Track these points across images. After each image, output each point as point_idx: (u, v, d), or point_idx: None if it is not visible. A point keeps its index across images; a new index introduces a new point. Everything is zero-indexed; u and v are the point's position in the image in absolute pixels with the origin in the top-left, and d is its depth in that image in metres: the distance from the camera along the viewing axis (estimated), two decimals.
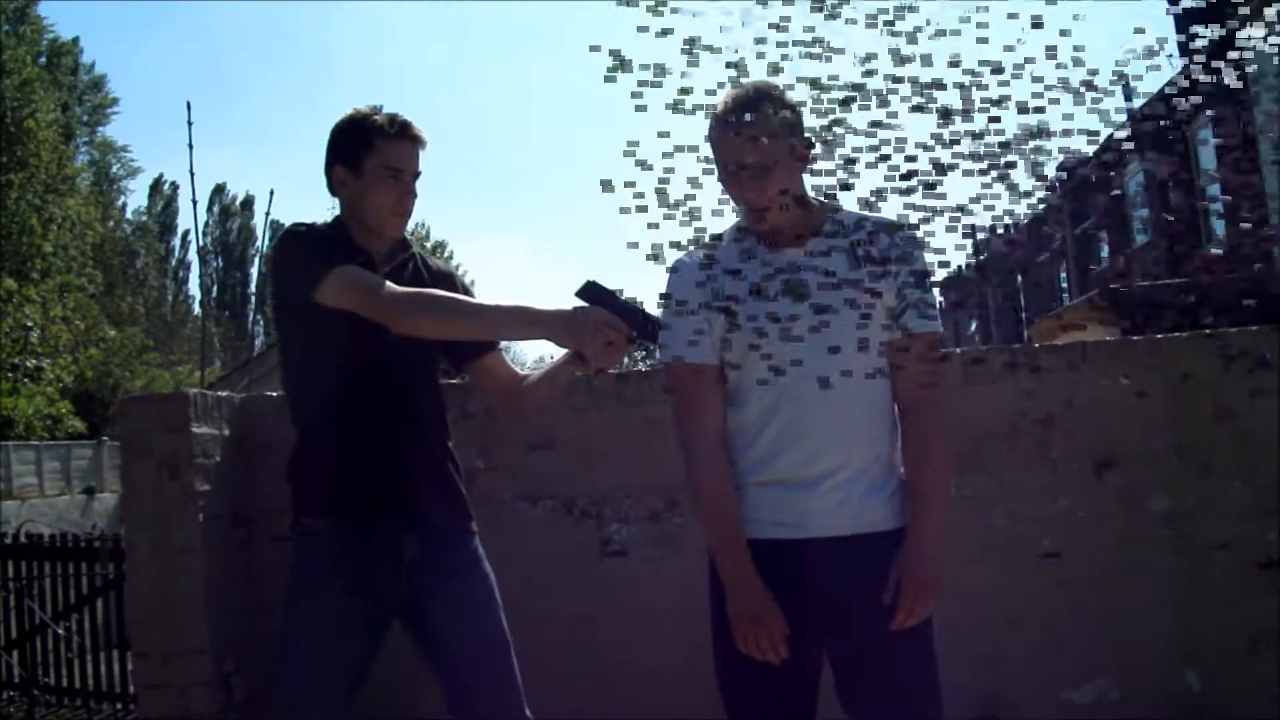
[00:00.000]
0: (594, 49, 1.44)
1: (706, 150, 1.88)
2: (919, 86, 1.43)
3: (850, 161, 1.49)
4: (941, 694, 2.08)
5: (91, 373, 30.60)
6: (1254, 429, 3.38)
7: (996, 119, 1.43)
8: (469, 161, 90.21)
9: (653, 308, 2.26)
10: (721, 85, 1.65)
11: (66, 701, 5.89)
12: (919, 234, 1.81)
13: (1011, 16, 1.40)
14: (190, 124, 6.72)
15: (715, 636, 2.11)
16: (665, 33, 1.42)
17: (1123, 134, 1.48)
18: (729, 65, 1.45)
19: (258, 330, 43.12)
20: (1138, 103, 1.50)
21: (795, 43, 1.42)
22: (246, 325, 50.23)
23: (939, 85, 1.43)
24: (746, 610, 2.03)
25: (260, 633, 3.24)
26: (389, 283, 2.28)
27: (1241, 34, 1.42)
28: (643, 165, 1.51)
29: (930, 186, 1.46)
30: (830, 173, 1.51)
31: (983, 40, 1.40)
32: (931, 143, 1.46)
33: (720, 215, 1.90)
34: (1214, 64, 1.41)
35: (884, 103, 1.45)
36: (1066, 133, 1.44)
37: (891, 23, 1.41)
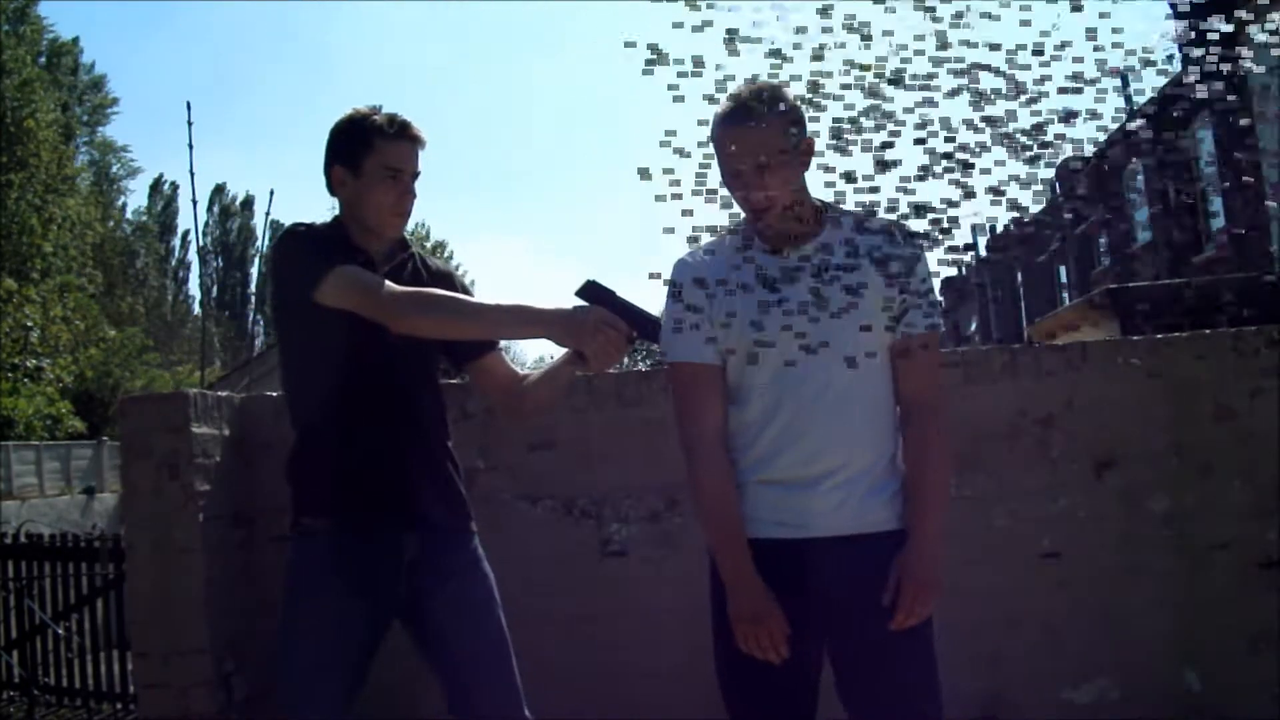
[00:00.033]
0: (629, 44, 1.47)
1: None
2: (961, 67, 1.45)
3: (887, 145, 1.50)
4: (942, 694, 2.08)
5: (91, 373, 30.60)
6: (1254, 429, 3.38)
7: (1036, 99, 1.44)
8: (469, 161, 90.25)
9: (652, 308, 2.26)
10: (757, 76, 1.67)
11: (66, 701, 5.89)
12: (921, 234, 1.81)
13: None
14: (190, 124, 6.73)
15: (716, 636, 2.11)
16: (705, 25, 1.45)
17: (1137, 121, 1.49)
18: (770, 54, 1.47)
19: (258, 330, 43.11)
20: (1138, 101, 1.51)
21: (843, 26, 1.45)
22: (246, 325, 50.21)
23: (981, 67, 1.44)
24: (747, 610, 2.03)
25: (260, 633, 3.24)
26: (389, 282, 2.28)
27: (1244, 29, 1.43)
28: (681, 153, 1.56)
29: (968, 167, 1.47)
30: (871, 148, 1.52)
31: (1025, 23, 1.43)
32: (971, 124, 1.47)
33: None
34: (1209, 58, 1.41)
35: (925, 85, 1.47)
36: (1095, 115, 1.45)
37: (933, 8, 1.43)
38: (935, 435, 2.10)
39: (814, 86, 1.48)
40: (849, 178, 1.52)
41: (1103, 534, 3.40)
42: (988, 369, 3.49)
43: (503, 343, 2.58)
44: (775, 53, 1.46)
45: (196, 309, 52.07)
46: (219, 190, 54.21)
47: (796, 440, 2.04)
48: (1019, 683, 3.36)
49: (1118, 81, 1.44)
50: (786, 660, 2.02)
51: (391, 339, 2.26)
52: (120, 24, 79.63)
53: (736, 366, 2.08)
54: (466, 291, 2.44)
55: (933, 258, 1.74)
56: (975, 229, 1.53)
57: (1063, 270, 24.87)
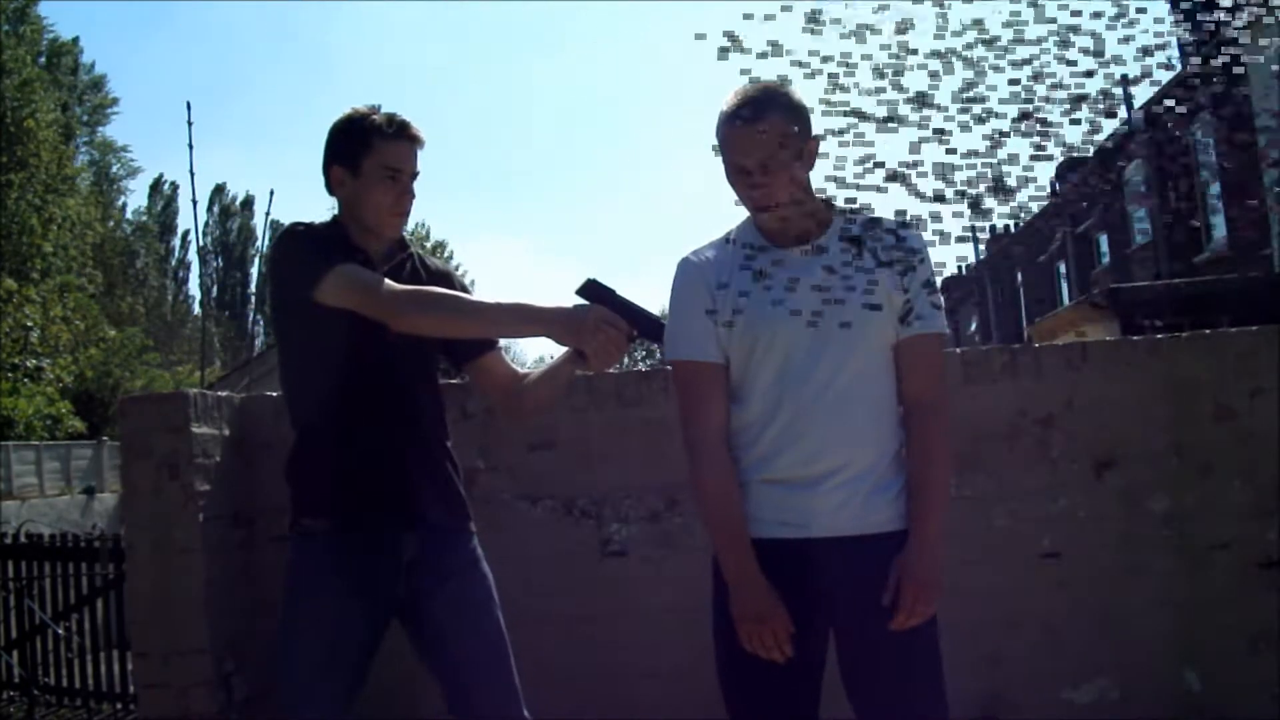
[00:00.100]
0: (699, 36, 1.52)
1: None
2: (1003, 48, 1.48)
3: (942, 131, 1.53)
4: (946, 694, 2.08)
5: (91, 373, 30.59)
6: (1254, 429, 3.38)
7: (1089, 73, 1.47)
8: (469, 161, 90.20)
9: (654, 307, 2.26)
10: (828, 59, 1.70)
11: (66, 701, 5.89)
12: (924, 233, 1.81)
13: None
14: (190, 124, 6.68)
15: (718, 636, 2.11)
16: (785, 8, 1.49)
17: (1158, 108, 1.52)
18: (846, 35, 1.50)
19: (258, 330, 43.05)
20: (1140, 99, 1.53)
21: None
22: (246, 325, 50.17)
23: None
24: (751, 609, 2.02)
25: (260, 633, 3.23)
26: (388, 280, 2.28)
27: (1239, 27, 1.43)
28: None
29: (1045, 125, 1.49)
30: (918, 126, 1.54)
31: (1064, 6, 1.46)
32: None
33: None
34: (1206, 53, 1.42)
35: (979, 70, 1.51)
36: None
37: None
38: (937, 435, 2.10)
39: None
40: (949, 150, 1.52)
41: (1103, 534, 3.40)
42: (988, 369, 3.49)
43: (503, 342, 2.58)
44: (854, 33, 1.49)
45: (196, 309, 52.14)
46: (219, 190, 54.26)
47: (797, 440, 2.04)
48: (1019, 683, 3.35)
49: (1118, 81, 1.44)
50: (789, 660, 2.02)
51: (391, 339, 2.26)
52: (120, 24, 79.73)
53: (739, 365, 2.08)
54: (465, 291, 2.44)
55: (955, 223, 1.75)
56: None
57: (1063, 270, 24.88)
